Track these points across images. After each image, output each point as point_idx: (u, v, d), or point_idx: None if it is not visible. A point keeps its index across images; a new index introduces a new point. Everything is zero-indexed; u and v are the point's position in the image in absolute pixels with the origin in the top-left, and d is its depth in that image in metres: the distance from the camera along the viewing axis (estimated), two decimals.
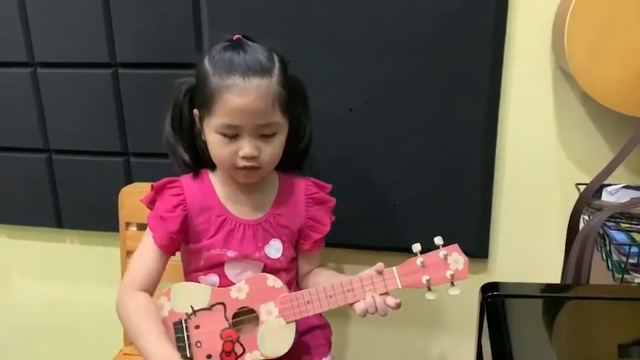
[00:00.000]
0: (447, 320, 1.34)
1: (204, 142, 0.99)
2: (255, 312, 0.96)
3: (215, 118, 0.93)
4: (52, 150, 1.39)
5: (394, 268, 0.95)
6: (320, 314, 1.10)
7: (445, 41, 1.13)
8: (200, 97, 0.96)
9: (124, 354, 1.30)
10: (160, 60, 1.26)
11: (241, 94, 0.90)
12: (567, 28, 0.98)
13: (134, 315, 0.95)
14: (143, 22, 1.24)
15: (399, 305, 0.94)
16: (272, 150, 0.96)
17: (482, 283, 0.86)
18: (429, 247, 0.93)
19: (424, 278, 0.92)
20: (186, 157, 1.02)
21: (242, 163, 0.95)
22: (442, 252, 0.92)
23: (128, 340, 1.31)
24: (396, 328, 1.36)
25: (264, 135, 0.95)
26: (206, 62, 0.95)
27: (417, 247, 0.93)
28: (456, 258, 0.93)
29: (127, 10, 1.24)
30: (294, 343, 0.96)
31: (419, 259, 0.93)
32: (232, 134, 0.93)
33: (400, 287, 0.94)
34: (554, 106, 1.15)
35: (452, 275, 0.92)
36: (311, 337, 1.08)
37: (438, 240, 0.93)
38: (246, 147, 0.93)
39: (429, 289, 0.93)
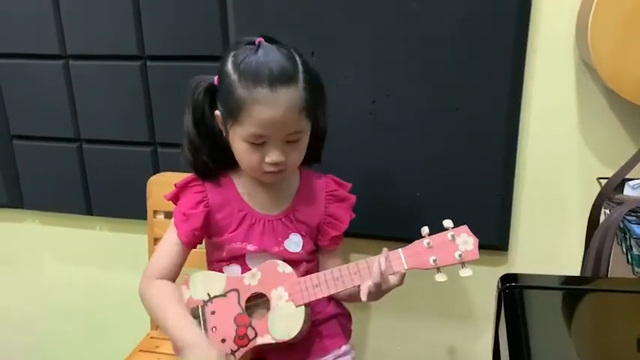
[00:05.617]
0: (465, 311, 1.34)
1: (227, 142, 0.98)
2: (266, 297, 0.99)
3: (242, 128, 0.93)
4: (83, 139, 1.42)
5: (400, 249, 0.94)
6: (340, 303, 1.13)
7: (468, 34, 1.12)
8: (226, 105, 0.94)
9: (151, 337, 1.33)
10: (187, 53, 1.28)
11: (270, 106, 0.90)
12: (591, 21, 0.98)
13: (158, 302, 0.98)
14: (171, 16, 1.26)
15: (400, 280, 0.93)
16: (297, 153, 0.97)
17: None
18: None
19: (431, 259, 0.92)
20: (209, 162, 1.01)
21: (269, 168, 0.96)
22: (450, 233, 0.92)
23: (155, 324, 1.34)
24: (416, 318, 1.37)
25: (289, 140, 0.95)
26: (230, 67, 0.92)
27: (425, 230, 0.93)
28: (465, 239, 0.92)
29: (155, 4, 1.27)
30: (307, 330, 0.98)
31: (425, 240, 0.92)
32: (260, 142, 0.94)
33: (406, 268, 0.94)
34: (576, 99, 1.14)
35: (460, 255, 0.91)
36: (328, 325, 1.09)
37: (447, 223, 0.92)
38: (273, 154, 0.94)
39: (438, 271, 0.92)
